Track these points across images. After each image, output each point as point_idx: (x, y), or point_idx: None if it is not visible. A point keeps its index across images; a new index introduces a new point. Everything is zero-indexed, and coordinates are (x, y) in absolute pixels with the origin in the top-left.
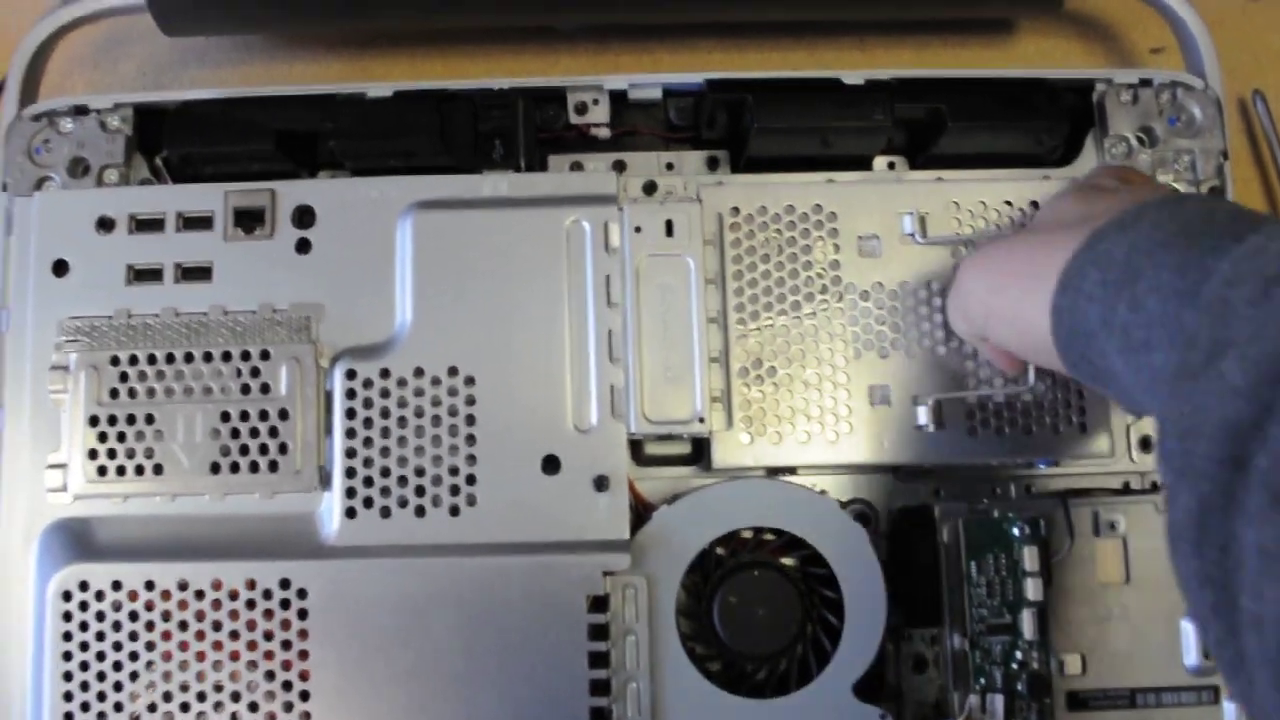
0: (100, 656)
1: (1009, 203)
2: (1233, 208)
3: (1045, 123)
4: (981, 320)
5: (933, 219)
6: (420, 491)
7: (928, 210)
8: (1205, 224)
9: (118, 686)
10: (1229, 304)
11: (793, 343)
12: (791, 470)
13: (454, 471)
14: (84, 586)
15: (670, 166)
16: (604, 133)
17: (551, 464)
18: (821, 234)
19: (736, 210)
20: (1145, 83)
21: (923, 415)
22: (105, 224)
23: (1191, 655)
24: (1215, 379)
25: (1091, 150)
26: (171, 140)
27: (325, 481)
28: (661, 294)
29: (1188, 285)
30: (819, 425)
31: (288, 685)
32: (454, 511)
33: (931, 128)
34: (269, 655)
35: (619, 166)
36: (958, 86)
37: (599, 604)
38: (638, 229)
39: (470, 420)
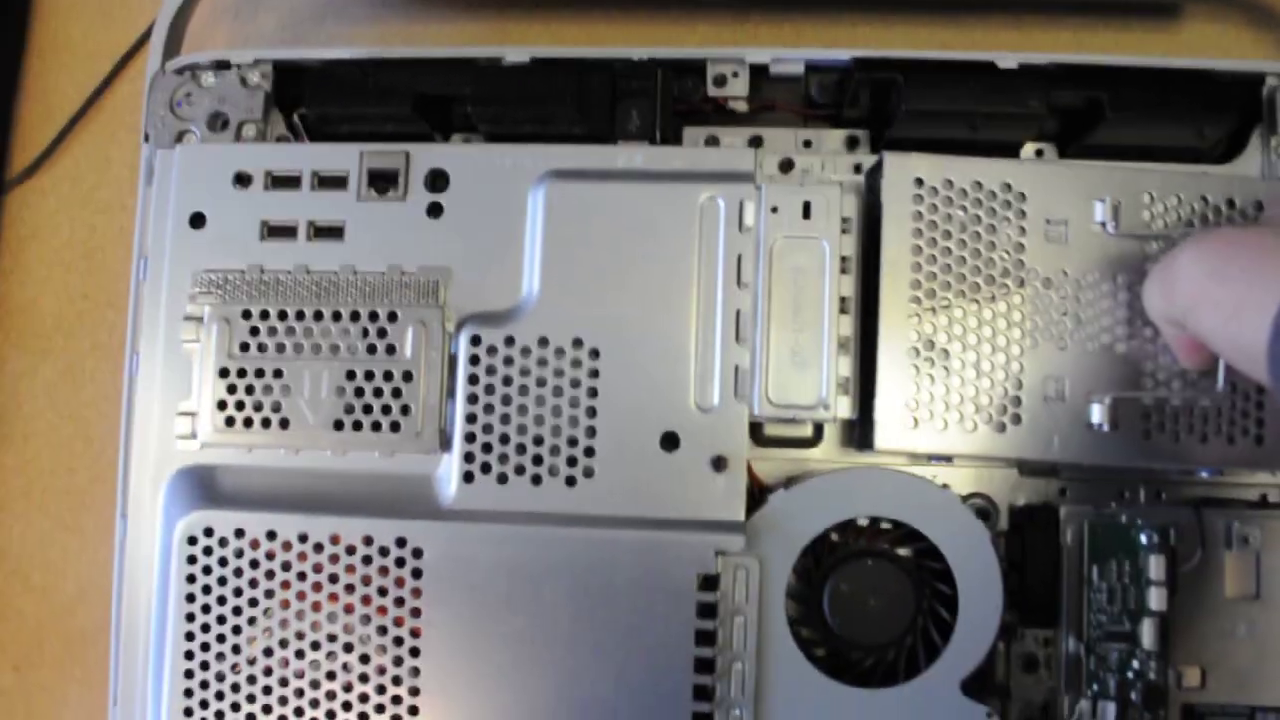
0: (221, 600)
1: (1205, 199)
2: None
3: (1208, 116)
4: (1187, 304)
5: (1125, 209)
6: (538, 460)
7: (1122, 199)
8: None
9: (236, 630)
10: None
11: (968, 327)
12: (947, 459)
13: (573, 443)
14: (209, 532)
15: (808, 144)
16: (742, 106)
17: (671, 441)
18: (1009, 214)
19: (920, 182)
20: None
21: (1097, 413)
22: (242, 179)
23: None
24: None
25: (1256, 147)
26: (311, 99)
27: (445, 444)
28: (794, 277)
29: None
30: (988, 415)
31: (399, 640)
32: (570, 482)
33: (1088, 116)
34: (382, 610)
35: (755, 141)
36: (1117, 74)
37: (709, 583)
38: (774, 209)
39: (592, 393)
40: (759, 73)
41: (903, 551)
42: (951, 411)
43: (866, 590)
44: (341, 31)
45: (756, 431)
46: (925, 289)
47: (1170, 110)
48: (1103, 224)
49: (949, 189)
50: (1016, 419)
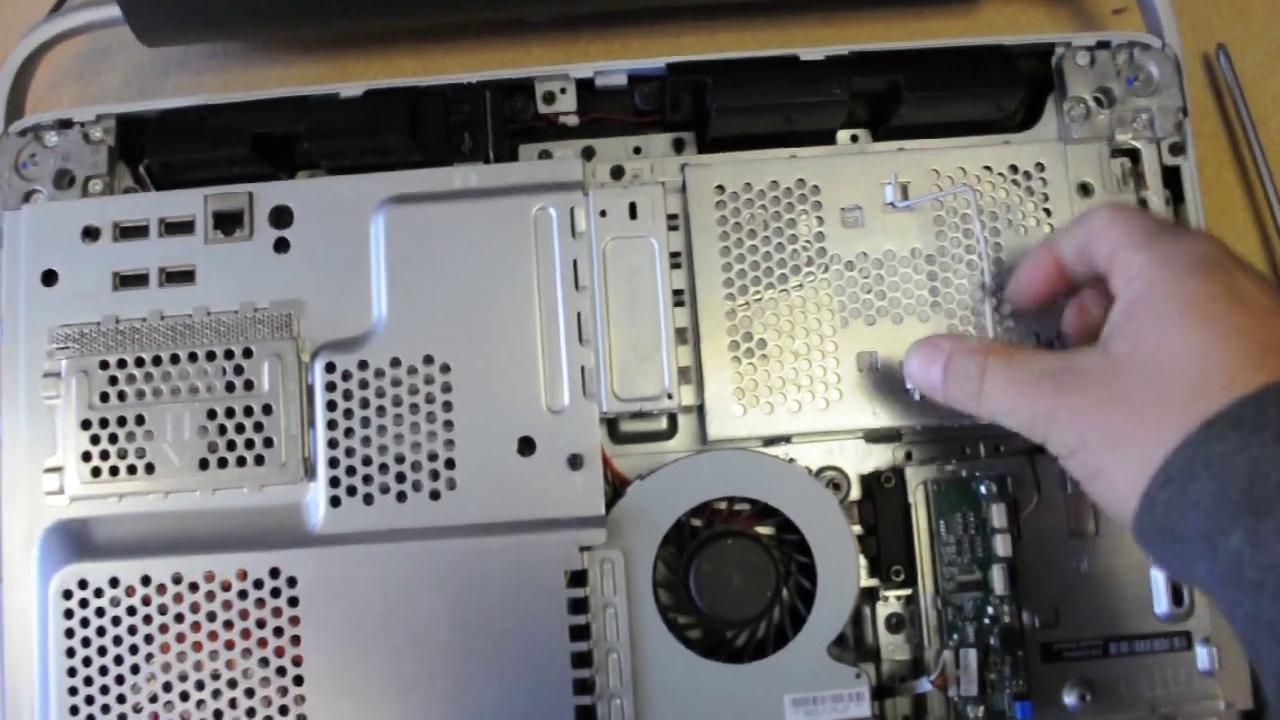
0: (101, 651)
1: (988, 168)
2: None
3: (1002, 89)
4: (1040, 423)
5: (914, 187)
6: (401, 478)
7: (909, 179)
8: None
9: (119, 679)
10: None
11: (781, 315)
12: (785, 439)
13: (433, 457)
14: (83, 584)
15: (638, 150)
16: (572, 120)
17: (527, 445)
18: (805, 207)
19: (721, 188)
20: (1103, 44)
21: (909, 379)
22: (90, 233)
23: (1163, 603)
24: None
25: (1052, 114)
26: (152, 149)
27: (310, 472)
28: (628, 275)
29: None
30: (809, 394)
31: (282, 670)
32: (434, 496)
33: (890, 99)
34: (263, 643)
35: (588, 153)
36: (914, 57)
37: (577, 579)
38: (603, 213)
39: (447, 406)
40: (585, 87)
41: (762, 528)
42: (775, 395)
43: (729, 568)
44: (186, 82)
45: (614, 430)
46: (737, 285)
47: (965, 87)
48: (892, 203)
49: (749, 191)
50: (839, 394)
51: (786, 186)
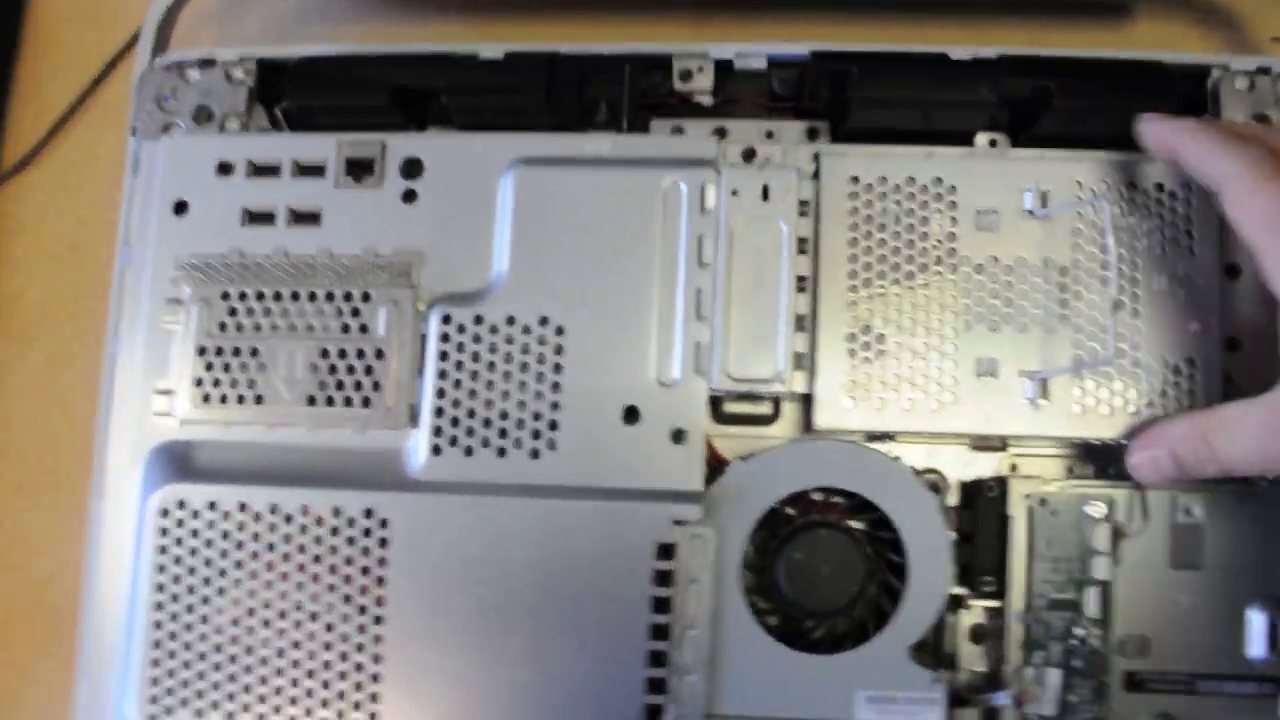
0: (191, 571)
1: (1133, 184)
2: None
3: (1154, 107)
4: None
5: (1054, 196)
6: (504, 434)
7: (1049, 187)
8: None
9: (205, 600)
10: None
11: (903, 312)
12: (890, 437)
13: (537, 416)
14: (182, 505)
15: (770, 135)
16: (707, 100)
17: (632, 414)
18: (940, 206)
19: (856, 179)
20: (1263, 70)
21: (1029, 389)
22: (224, 168)
23: (1257, 646)
24: None
25: None
26: (293, 92)
27: (414, 419)
28: (753, 256)
29: None
30: (923, 393)
31: (364, 609)
32: (535, 454)
33: (1036, 106)
34: (349, 579)
35: (720, 133)
36: (1066, 66)
37: (666, 551)
38: (734, 192)
39: (557, 368)
40: (723, 68)
41: (856, 523)
42: (888, 391)
43: (819, 559)
44: (324, 32)
45: (718, 409)
46: (862, 278)
47: (1116, 101)
48: (1030, 211)
49: (883, 184)
50: (953, 397)
51: (923, 184)
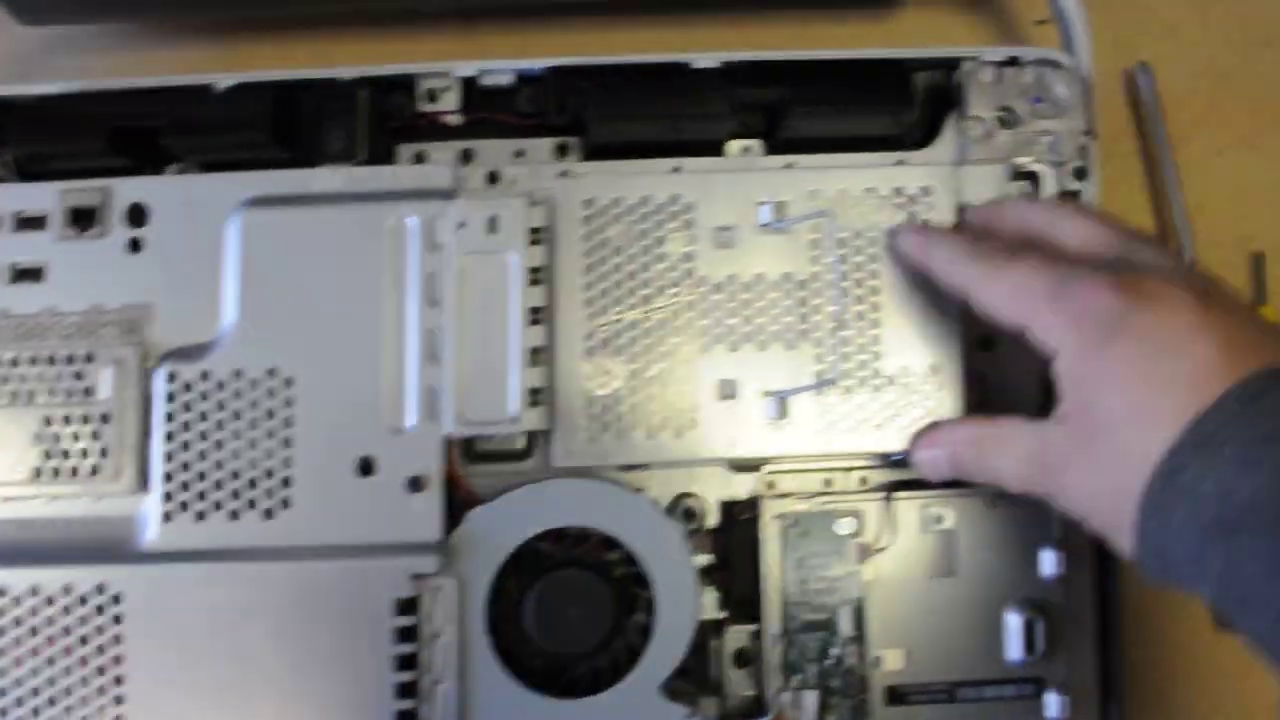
0: None
1: (871, 189)
2: None
3: (898, 105)
4: (1048, 499)
5: (792, 208)
6: (236, 495)
7: (787, 199)
8: None
9: None
10: None
11: (639, 338)
12: (636, 467)
13: (269, 474)
14: None
15: (520, 154)
16: (455, 120)
17: (367, 466)
18: (676, 225)
19: (589, 202)
20: (1012, 61)
21: (771, 408)
22: None
23: (1014, 649)
24: None
25: (951, 133)
26: (15, 138)
27: (145, 485)
28: (483, 292)
29: None
30: (665, 421)
31: (103, 690)
32: (269, 514)
33: (779, 111)
34: (84, 661)
35: (466, 156)
36: (805, 69)
37: (406, 607)
38: (461, 225)
39: (287, 422)
40: (470, 86)
41: (608, 557)
42: (627, 421)
43: (566, 600)
44: (70, 65)
45: (470, 448)
46: (599, 305)
47: (857, 101)
48: (767, 225)
49: (618, 206)
50: (692, 423)
51: (659, 203)
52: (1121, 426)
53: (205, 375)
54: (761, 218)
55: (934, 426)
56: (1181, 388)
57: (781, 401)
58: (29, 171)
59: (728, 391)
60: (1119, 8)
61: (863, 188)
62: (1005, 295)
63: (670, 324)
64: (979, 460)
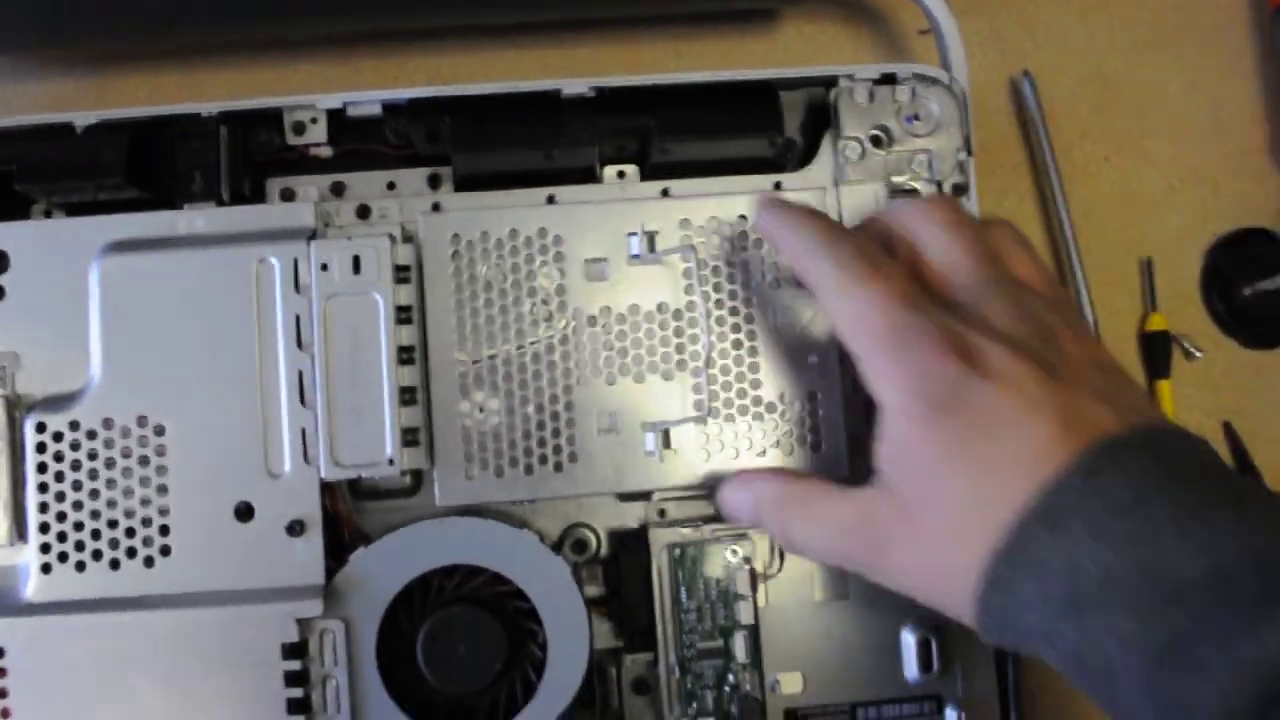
0: None
1: (743, 216)
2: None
3: (768, 127)
4: (862, 573)
5: (663, 237)
6: (114, 544)
7: (657, 228)
8: (1166, 561)
9: None
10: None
11: (515, 374)
12: (520, 502)
13: (147, 522)
14: None
15: (392, 186)
16: (325, 153)
17: (245, 511)
18: (546, 259)
19: (457, 238)
20: (888, 78)
21: (650, 442)
22: None
23: (911, 668)
24: None
25: (828, 151)
26: None
27: (21, 536)
28: (350, 334)
29: (1161, 654)
30: (544, 456)
31: None
32: (149, 563)
33: (649, 138)
34: None
35: (338, 189)
36: (679, 92)
37: (294, 650)
38: (324, 266)
39: (161, 470)
40: (337, 117)
41: (499, 591)
42: (506, 458)
43: (456, 638)
44: None
45: (355, 486)
46: (471, 342)
47: (723, 126)
48: (638, 256)
49: (485, 240)
50: (573, 457)
51: (527, 236)
52: (956, 504)
53: (74, 424)
54: (631, 249)
55: (754, 471)
56: (1021, 466)
57: (663, 433)
58: None
59: (607, 425)
60: (1004, 17)
61: (737, 214)
62: (847, 318)
63: (545, 358)
64: (784, 526)
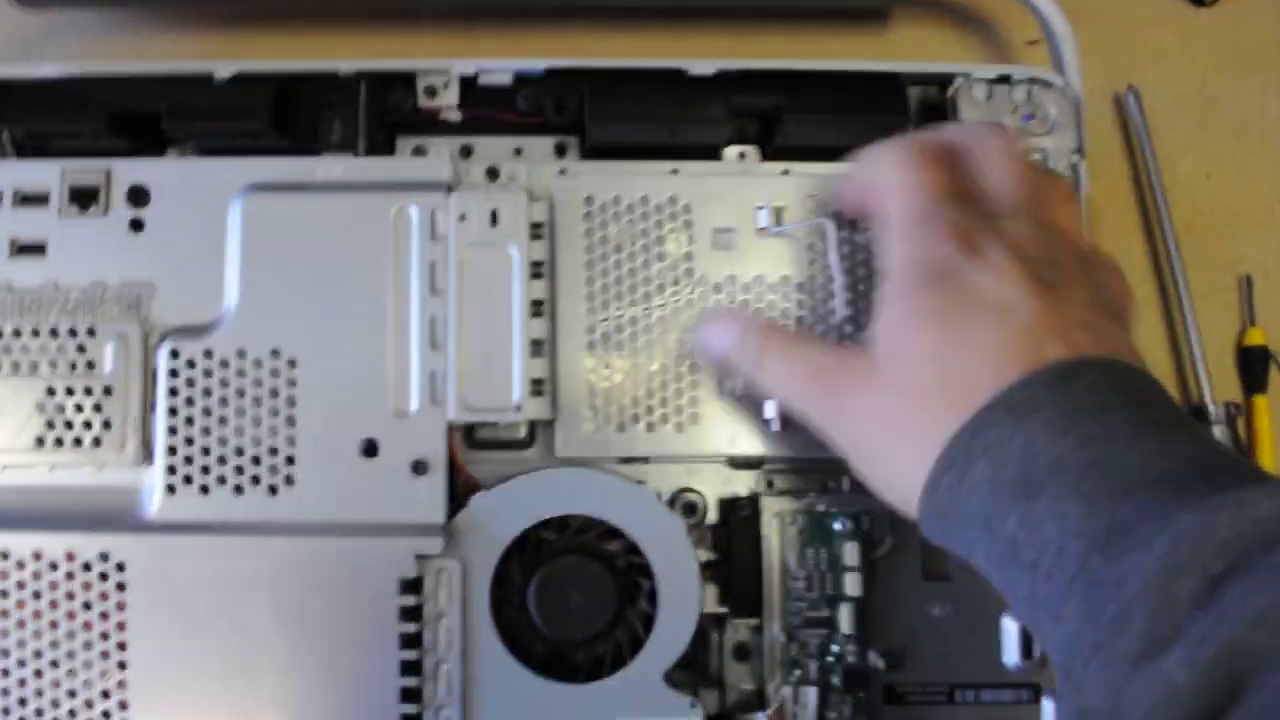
0: None
1: None
2: (1149, 421)
3: (891, 117)
4: (815, 421)
5: (790, 213)
6: (240, 470)
7: (783, 204)
8: (1119, 459)
9: None
10: (1171, 598)
11: (642, 334)
12: (635, 460)
13: (273, 451)
14: None
15: (519, 151)
16: (454, 116)
17: (371, 447)
18: (675, 225)
19: (590, 199)
20: (1004, 79)
21: (769, 409)
22: None
23: (1012, 654)
24: (1155, 676)
25: None
26: (13, 115)
27: (148, 458)
28: (484, 283)
29: (1101, 539)
30: (664, 416)
31: (106, 654)
32: (272, 490)
33: (774, 120)
34: (88, 625)
35: (466, 151)
36: (801, 78)
37: (411, 586)
38: (462, 217)
39: (291, 402)
40: (469, 84)
41: (614, 547)
42: (628, 414)
43: (569, 587)
44: (68, 48)
45: (471, 435)
46: (599, 300)
47: (851, 113)
48: (765, 229)
49: (618, 204)
50: (694, 419)
51: (658, 203)
52: (926, 372)
53: (208, 353)
54: (758, 221)
55: (730, 309)
56: (995, 355)
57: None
58: (27, 150)
59: (728, 389)
60: (1108, 32)
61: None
62: (884, 193)
63: (672, 321)
64: (758, 357)
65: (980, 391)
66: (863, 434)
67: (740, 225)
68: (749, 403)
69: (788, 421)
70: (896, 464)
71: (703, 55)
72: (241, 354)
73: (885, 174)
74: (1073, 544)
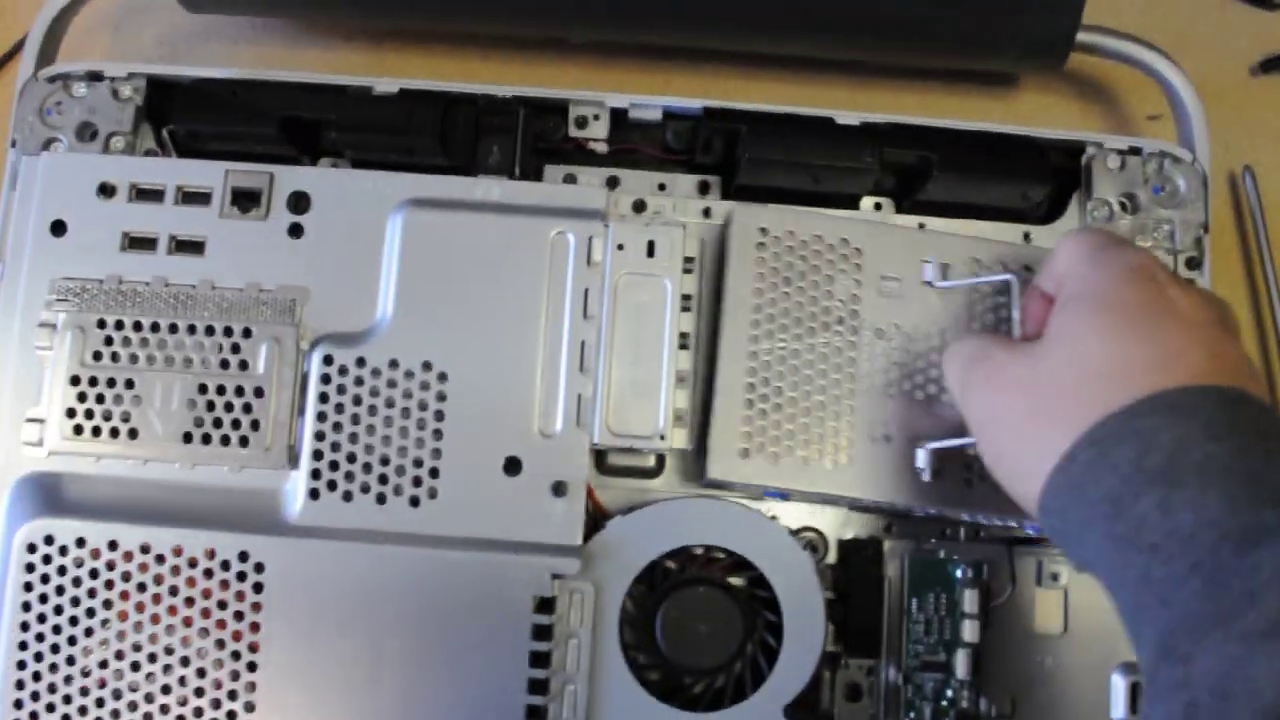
0: (58, 610)
1: (1029, 268)
2: None
3: (1032, 180)
4: (958, 391)
5: (953, 271)
6: (384, 480)
7: (950, 261)
8: (1271, 476)
9: (71, 640)
10: None
11: (801, 369)
12: (782, 495)
13: (418, 463)
14: (49, 540)
15: (663, 187)
16: (602, 148)
17: (513, 465)
18: (845, 267)
19: (764, 230)
20: (1135, 150)
21: (921, 459)
22: (106, 189)
23: (1119, 709)
24: (1271, 656)
25: (1075, 210)
26: (180, 114)
27: (293, 461)
28: (637, 311)
29: (1236, 534)
30: (817, 453)
31: (237, 655)
32: (414, 502)
33: (919, 174)
34: (221, 624)
35: (612, 182)
36: (949, 136)
37: (545, 605)
38: (620, 246)
39: (439, 415)
40: (619, 117)
41: (735, 580)
42: (782, 446)
43: (697, 616)
44: (221, 52)
45: (601, 461)
46: (764, 330)
47: (995, 173)
48: (929, 282)
49: (791, 239)
50: (846, 460)
51: (830, 243)
52: (1098, 356)
53: (360, 361)
54: (925, 274)
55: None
56: (1165, 360)
57: (934, 454)
58: (187, 148)
59: (881, 434)
60: (1224, 113)
61: (1021, 265)
62: (1060, 259)
63: (832, 360)
64: (950, 349)
65: (1141, 383)
66: (1004, 405)
67: (905, 275)
68: (901, 447)
69: (938, 471)
70: (1034, 437)
71: (835, 107)
72: (394, 364)
73: (1065, 244)
74: (1206, 533)
